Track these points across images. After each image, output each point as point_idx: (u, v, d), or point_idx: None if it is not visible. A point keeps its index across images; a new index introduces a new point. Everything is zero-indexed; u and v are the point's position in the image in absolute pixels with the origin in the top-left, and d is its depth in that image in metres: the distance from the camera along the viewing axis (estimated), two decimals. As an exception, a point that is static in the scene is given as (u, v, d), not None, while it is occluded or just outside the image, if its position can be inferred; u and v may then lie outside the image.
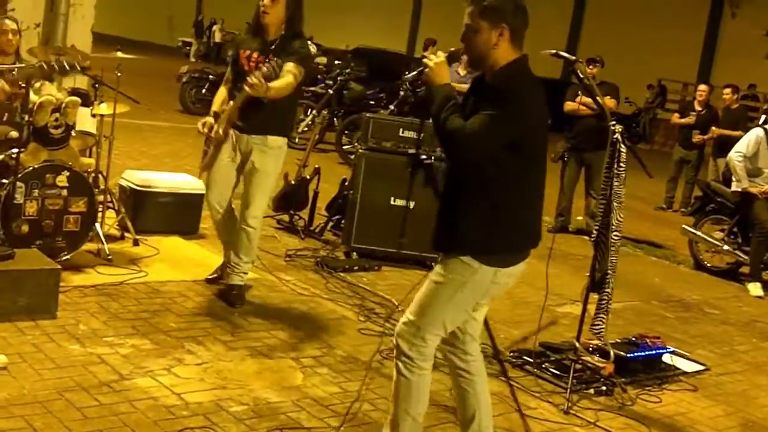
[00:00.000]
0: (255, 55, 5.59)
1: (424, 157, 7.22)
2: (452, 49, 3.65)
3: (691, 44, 26.86)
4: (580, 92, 9.53)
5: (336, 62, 17.97)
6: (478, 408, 3.90)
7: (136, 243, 6.67)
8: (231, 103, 5.58)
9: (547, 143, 3.74)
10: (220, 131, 5.58)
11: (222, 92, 5.81)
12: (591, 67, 9.82)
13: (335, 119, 13.82)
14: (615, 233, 5.06)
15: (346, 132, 13.07)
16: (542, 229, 3.80)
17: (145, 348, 4.82)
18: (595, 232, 5.12)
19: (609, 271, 5.11)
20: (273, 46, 5.57)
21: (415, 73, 3.96)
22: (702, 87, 13.38)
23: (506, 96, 3.45)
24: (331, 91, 14.02)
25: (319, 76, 15.86)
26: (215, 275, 6.12)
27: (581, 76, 5.01)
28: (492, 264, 3.57)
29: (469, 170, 3.55)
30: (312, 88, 14.85)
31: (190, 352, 4.85)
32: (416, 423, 3.76)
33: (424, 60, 3.62)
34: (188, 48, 36.00)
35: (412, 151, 7.26)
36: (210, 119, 5.67)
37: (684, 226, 9.46)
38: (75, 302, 5.32)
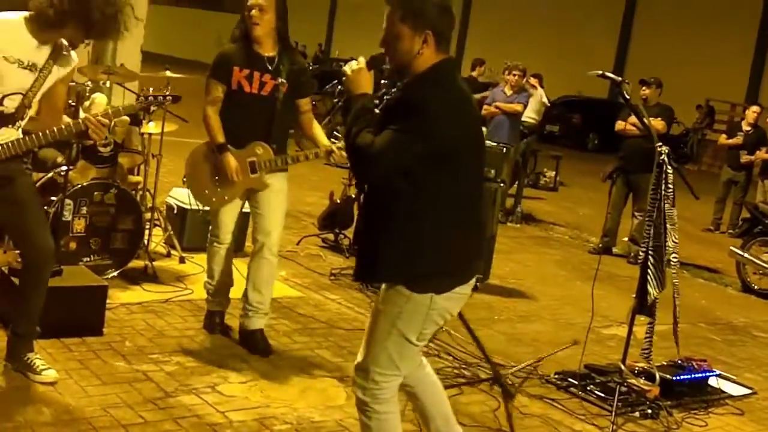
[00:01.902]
0: (266, 77, 5.03)
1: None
2: (374, 54, 3.36)
3: (740, 64, 26.58)
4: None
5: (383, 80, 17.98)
6: (434, 417, 3.72)
7: (182, 260, 6.74)
8: (261, 149, 5.08)
9: (481, 155, 3.47)
10: (265, 182, 5.11)
11: (215, 116, 5.09)
12: (644, 88, 9.74)
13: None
14: (674, 255, 5.02)
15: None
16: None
17: (189, 365, 4.85)
18: (641, 254, 5.07)
19: (675, 294, 5.05)
20: (273, 65, 5.06)
21: (335, 81, 3.83)
22: (754, 108, 13.20)
23: (413, 107, 3.14)
24: (377, 110, 14.03)
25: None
26: (216, 322, 5.46)
27: (627, 96, 4.98)
28: (424, 290, 3.27)
29: (382, 191, 3.28)
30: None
31: (234, 370, 4.87)
32: None
33: (343, 68, 3.37)
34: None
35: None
36: (234, 160, 5.06)
37: (732, 247, 9.33)
38: (121, 319, 5.37)
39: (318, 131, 5.31)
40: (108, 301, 5.22)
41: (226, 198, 5.17)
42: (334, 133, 10.54)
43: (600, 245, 9.85)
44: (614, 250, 10.00)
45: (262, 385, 4.74)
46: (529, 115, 12.20)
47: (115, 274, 5.97)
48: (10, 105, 4.00)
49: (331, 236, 8.10)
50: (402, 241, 3.25)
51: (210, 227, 5.37)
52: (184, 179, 5.42)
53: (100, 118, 4.10)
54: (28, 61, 3.98)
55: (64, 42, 4.04)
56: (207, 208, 5.52)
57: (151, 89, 4.55)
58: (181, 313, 5.66)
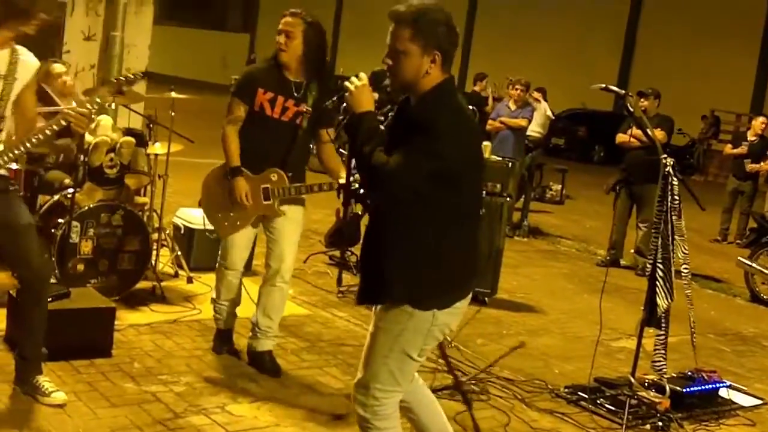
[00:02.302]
0: (289, 102, 4.96)
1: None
2: (376, 69, 3.37)
3: (744, 74, 26.58)
4: (632, 125, 9.46)
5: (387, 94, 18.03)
6: (430, 430, 3.71)
7: (190, 280, 6.74)
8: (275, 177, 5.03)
9: (481, 172, 3.54)
10: (278, 209, 5.05)
11: (234, 137, 5.02)
12: (642, 100, 9.75)
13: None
14: (684, 266, 5.01)
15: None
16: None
17: (198, 386, 4.85)
18: (649, 266, 5.06)
19: (689, 305, 5.04)
20: (300, 92, 4.99)
21: (334, 99, 3.63)
22: (761, 119, 13.16)
23: (425, 127, 3.16)
24: (382, 127, 14.07)
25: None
26: (224, 342, 5.43)
27: (631, 109, 4.99)
28: (428, 307, 3.30)
29: (395, 210, 3.28)
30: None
31: (243, 390, 4.87)
32: None
33: (345, 83, 3.31)
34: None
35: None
36: (245, 184, 4.99)
37: (740, 258, 9.30)
38: (130, 340, 5.38)
39: (336, 163, 5.16)
40: (116, 322, 5.23)
41: (238, 224, 5.11)
42: (340, 150, 10.57)
43: (607, 258, 9.83)
44: (622, 262, 9.98)
45: (271, 404, 4.74)
46: (534, 129, 12.22)
47: (123, 295, 5.97)
48: None
49: (337, 253, 8.10)
50: (409, 260, 3.27)
51: (219, 250, 5.32)
52: (200, 202, 5.40)
53: (78, 109, 4.06)
54: None
55: (19, 47, 4.09)
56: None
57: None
58: (189, 334, 5.66)
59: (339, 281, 7.33)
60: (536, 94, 12.86)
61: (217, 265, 5.36)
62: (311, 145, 5.33)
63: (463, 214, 3.34)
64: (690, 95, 24.75)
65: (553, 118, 14.06)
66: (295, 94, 4.99)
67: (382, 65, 3.32)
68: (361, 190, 4.48)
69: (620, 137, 9.79)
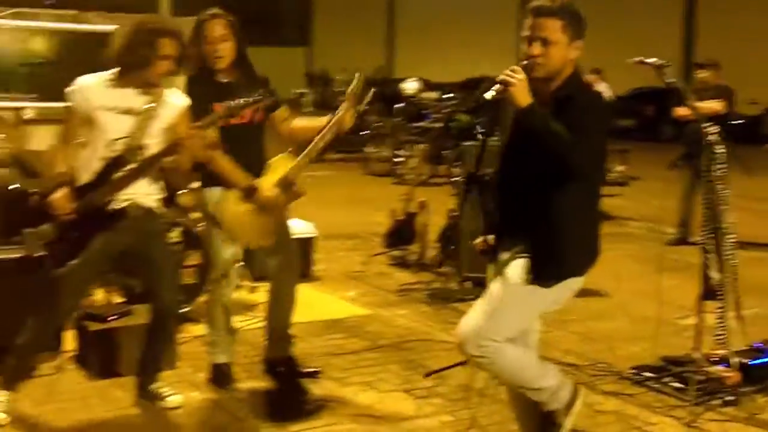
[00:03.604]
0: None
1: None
2: (525, 62, 3.47)
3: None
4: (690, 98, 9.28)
5: (445, 95, 18.08)
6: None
7: (252, 290, 6.83)
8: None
9: None
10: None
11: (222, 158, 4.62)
12: (700, 71, 9.55)
13: (444, 152, 13.89)
14: (730, 236, 4.91)
15: (456, 163, 13.08)
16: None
17: (260, 392, 4.92)
18: (698, 238, 4.97)
19: (733, 277, 4.94)
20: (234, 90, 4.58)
21: (493, 92, 3.42)
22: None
23: (589, 106, 3.47)
24: (437, 124, 14.11)
25: (425, 111, 15.99)
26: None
27: (670, 80, 4.90)
28: (574, 274, 3.61)
29: (569, 187, 3.45)
30: (419, 124, 14.97)
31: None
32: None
33: (505, 78, 3.40)
34: (302, 98, 36.85)
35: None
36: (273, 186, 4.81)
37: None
38: (193, 351, 5.48)
39: (306, 120, 5.05)
40: (181, 335, 5.34)
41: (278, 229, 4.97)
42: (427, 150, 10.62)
43: (677, 236, 9.66)
44: (691, 239, 9.79)
45: (331, 404, 4.79)
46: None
47: (187, 308, 6.08)
48: (115, 149, 4.23)
49: (396, 253, 8.14)
50: (578, 235, 3.55)
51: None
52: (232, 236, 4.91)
53: (190, 132, 4.23)
54: (123, 107, 4.24)
55: (162, 87, 4.33)
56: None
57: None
58: (251, 341, 5.74)
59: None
60: (592, 77, 12.69)
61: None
62: None
63: (599, 187, 3.72)
64: (761, 61, 24.13)
65: (616, 99, 13.87)
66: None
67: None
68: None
69: (677, 111, 9.62)
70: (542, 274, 3.54)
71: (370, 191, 9.53)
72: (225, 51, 4.66)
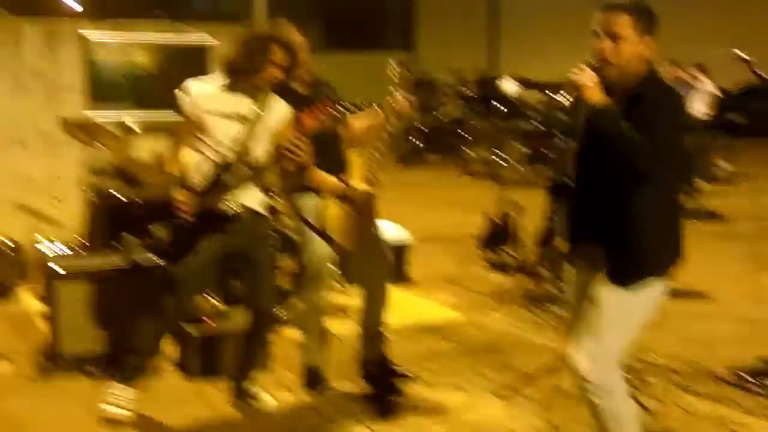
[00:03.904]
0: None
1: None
2: (591, 61, 3.43)
3: None
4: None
5: (546, 93, 17.83)
6: None
7: (345, 292, 6.91)
8: None
9: None
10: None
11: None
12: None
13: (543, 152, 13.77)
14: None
15: (552, 165, 12.96)
16: None
17: (352, 394, 5.01)
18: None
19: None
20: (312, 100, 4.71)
21: (571, 99, 3.54)
22: None
23: (665, 104, 3.39)
24: (536, 125, 13.99)
25: (525, 111, 15.86)
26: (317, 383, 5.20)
27: (761, 74, 4.78)
28: (662, 275, 3.55)
29: (643, 187, 3.40)
30: (522, 125, 14.86)
31: (394, 394, 4.98)
32: None
33: (576, 78, 3.41)
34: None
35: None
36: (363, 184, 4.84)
37: None
38: (287, 354, 5.57)
39: (362, 117, 5.04)
40: (275, 337, 5.44)
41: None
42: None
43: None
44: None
45: (421, 405, 4.84)
46: (699, 110, 11.69)
47: (282, 311, 6.20)
48: (224, 153, 4.39)
49: (492, 255, 8.11)
50: (659, 233, 3.50)
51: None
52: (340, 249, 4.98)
53: (291, 140, 4.29)
54: (231, 112, 4.39)
55: (268, 91, 4.45)
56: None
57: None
58: (345, 344, 5.79)
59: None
60: (694, 72, 12.37)
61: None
62: None
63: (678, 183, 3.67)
64: None
65: (722, 96, 13.46)
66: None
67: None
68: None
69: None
70: (622, 276, 3.50)
71: (468, 193, 9.51)
72: (312, 66, 4.84)
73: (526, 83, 22.54)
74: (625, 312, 3.54)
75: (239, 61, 4.37)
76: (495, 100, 17.86)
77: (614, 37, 3.40)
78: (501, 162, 14.41)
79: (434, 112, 20.26)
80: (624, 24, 3.39)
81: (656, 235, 3.49)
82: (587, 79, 3.37)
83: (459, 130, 17.66)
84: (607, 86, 3.41)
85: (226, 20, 8.25)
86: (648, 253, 3.49)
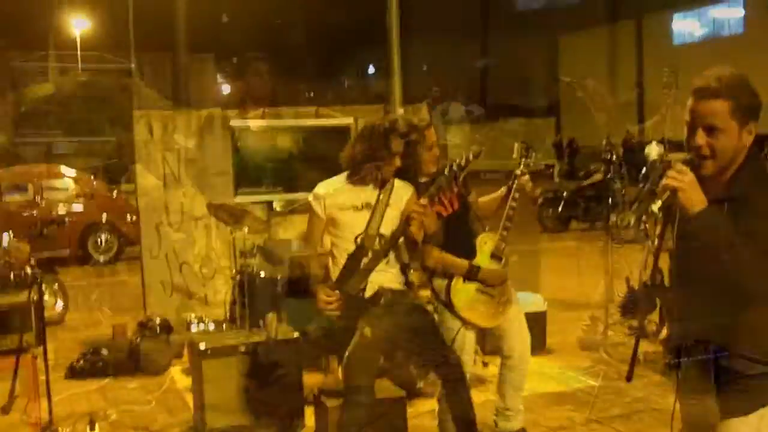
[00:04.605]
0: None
1: None
2: (687, 157, 2.88)
3: None
4: None
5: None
6: None
7: (485, 365, 6.98)
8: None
9: None
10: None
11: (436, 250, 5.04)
12: None
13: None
14: None
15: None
16: None
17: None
18: None
19: None
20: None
21: (660, 201, 2.82)
22: None
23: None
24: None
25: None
26: None
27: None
28: None
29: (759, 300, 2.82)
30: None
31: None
32: None
33: (670, 183, 2.78)
34: (551, 170, 36.66)
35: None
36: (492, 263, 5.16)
37: None
38: (425, 425, 5.66)
39: (487, 196, 5.32)
40: (409, 410, 5.57)
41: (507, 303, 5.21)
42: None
43: None
44: None
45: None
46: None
47: (421, 385, 6.32)
48: (358, 242, 4.61)
49: (634, 322, 8.01)
50: None
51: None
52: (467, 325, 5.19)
53: (417, 207, 4.46)
54: (360, 204, 4.63)
55: (397, 180, 4.68)
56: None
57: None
58: (482, 414, 5.81)
59: (634, 353, 7.20)
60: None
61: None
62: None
63: None
64: None
65: None
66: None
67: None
68: None
69: None
70: (733, 407, 2.96)
71: (613, 259, 9.40)
72: (437, 155, 5.07)
73: (676, 145, 22.00)
74: None
75: (361, 154, 4.60)
76: (641, 165, 17.65)
77: (710, 130, 2.86)
78: (647, 227, 14.17)
79: (579, 178, 20.15)
80: (722, 112, 2.85)
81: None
82: (685, 183, 2.78)
83: (604, 196, 17.47)
84: (703, 181, 2.84)
85: (365, 103, 8.56)
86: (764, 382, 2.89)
